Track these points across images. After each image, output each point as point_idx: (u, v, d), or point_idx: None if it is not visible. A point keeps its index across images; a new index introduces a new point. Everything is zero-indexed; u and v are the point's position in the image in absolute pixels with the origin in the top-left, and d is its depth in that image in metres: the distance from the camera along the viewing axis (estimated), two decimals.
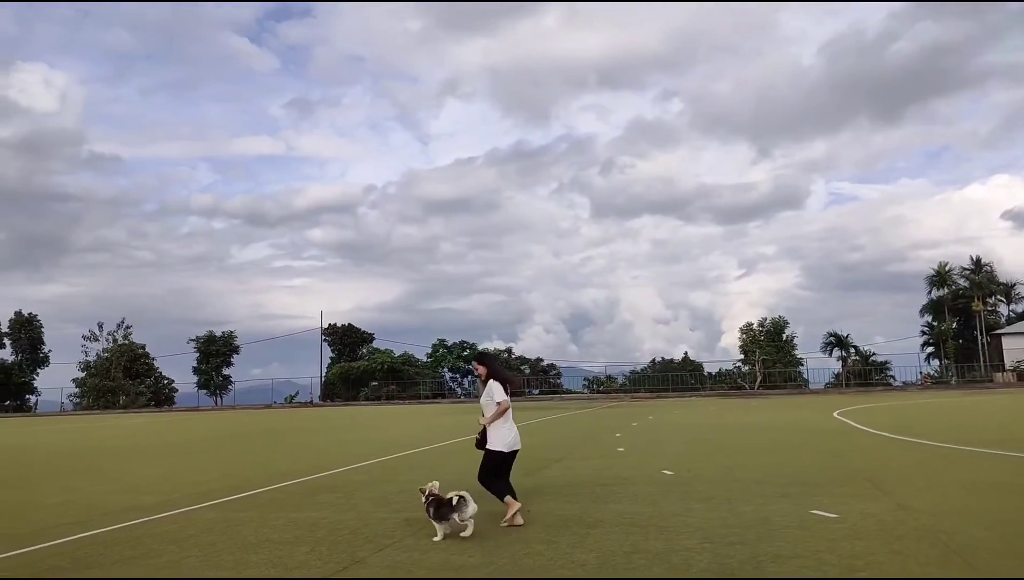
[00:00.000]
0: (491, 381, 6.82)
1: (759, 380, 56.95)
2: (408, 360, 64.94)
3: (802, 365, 60.26)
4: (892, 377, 57.70)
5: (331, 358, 67.08)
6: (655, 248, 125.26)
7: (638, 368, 64.40)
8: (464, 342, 66.53)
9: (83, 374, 64.66)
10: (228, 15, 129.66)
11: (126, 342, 65.92)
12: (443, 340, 66.91)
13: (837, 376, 58.47)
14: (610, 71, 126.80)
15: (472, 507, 6.10)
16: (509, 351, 66.42)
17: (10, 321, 67.83)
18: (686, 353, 66.05)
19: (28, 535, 6.94)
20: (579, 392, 60.61)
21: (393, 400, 57.11)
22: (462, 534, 6.13)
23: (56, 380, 76.03)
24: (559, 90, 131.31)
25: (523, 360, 65.99)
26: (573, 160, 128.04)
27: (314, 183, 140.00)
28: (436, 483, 6.43)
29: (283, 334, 75.10)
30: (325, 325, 67.22)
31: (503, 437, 6.69)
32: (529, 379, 63.21)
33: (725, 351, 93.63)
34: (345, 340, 67.92)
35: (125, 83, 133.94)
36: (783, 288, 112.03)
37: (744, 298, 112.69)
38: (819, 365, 67.34)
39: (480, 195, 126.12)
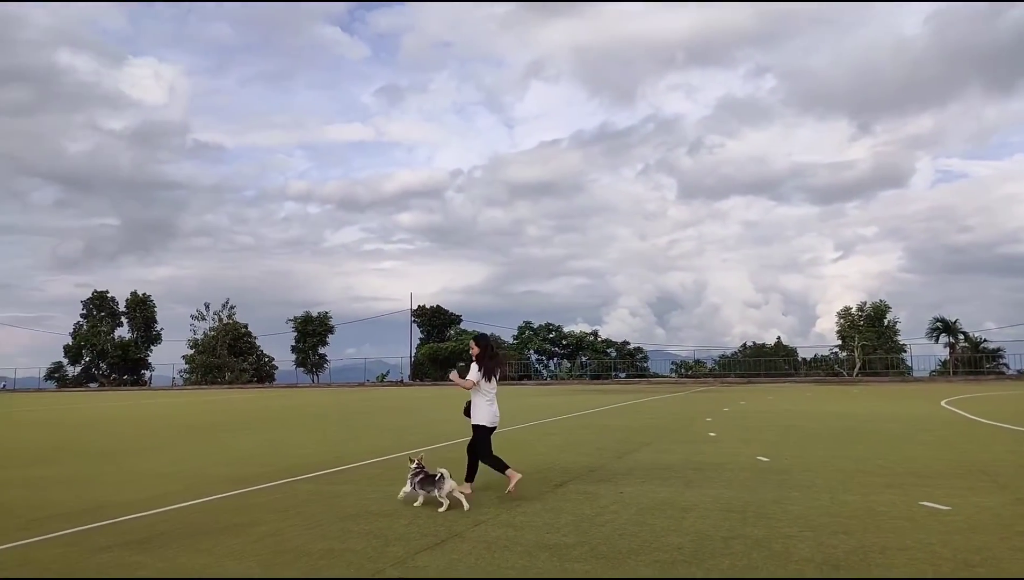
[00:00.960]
0: (473, 363, 7.45)
1: (858, 367, 54.42)
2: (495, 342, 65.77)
3: (905, 351, 57.16)
4: (1005, 365, 53.88)
5: (420, 339, 68.61)
6: (746, 230, 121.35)
7: (728, 353, 62.75)
8: (550, 324, 66.64)
9: (192, 351, 68.65)
10: (322, 6, 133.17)
11: (230, 321, 69.50)
12: (529, 322, 67.25)
13: (944, 363, 55.12)
14: (699, 48, 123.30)
15: (449, 484, 6.58)
16: (595, 334, 66.05)
17: (127, 301, 72.68)
18: (779, 338, 63.83)
19: (143, 501, 7.40)
20: (666, 376, 59.67)
21: None
22: (439, 509, 6.53)
23: (168, 356, 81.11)
24: (645, 69, 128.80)
25: (609, 343, 65.50)
26: (660, 140, 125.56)
27: (402, 168, 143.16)
28: (423, 455, 7.13)
29: (374, 315, 77.31)
30: (414, 307, 68.76)
31: (487, 414, 7.37)
32: (615, 362, 62.72)
33: (820, 336, 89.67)
34: (433, 321, 69.27)
35: (226, 75, 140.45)
36: (884, 271, 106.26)
37: (841, 281, 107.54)
38: (924, 352, 63.84)
39: (565, 177, 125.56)
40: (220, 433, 15.79)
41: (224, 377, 64.93)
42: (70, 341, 70.88)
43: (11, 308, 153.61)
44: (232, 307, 70.66)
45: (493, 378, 7.49)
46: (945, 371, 53.20)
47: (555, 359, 66.70)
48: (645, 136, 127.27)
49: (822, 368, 58.15)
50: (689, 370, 60.27)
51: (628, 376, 59.84)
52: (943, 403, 21.03)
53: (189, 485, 8.32)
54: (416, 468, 6.82)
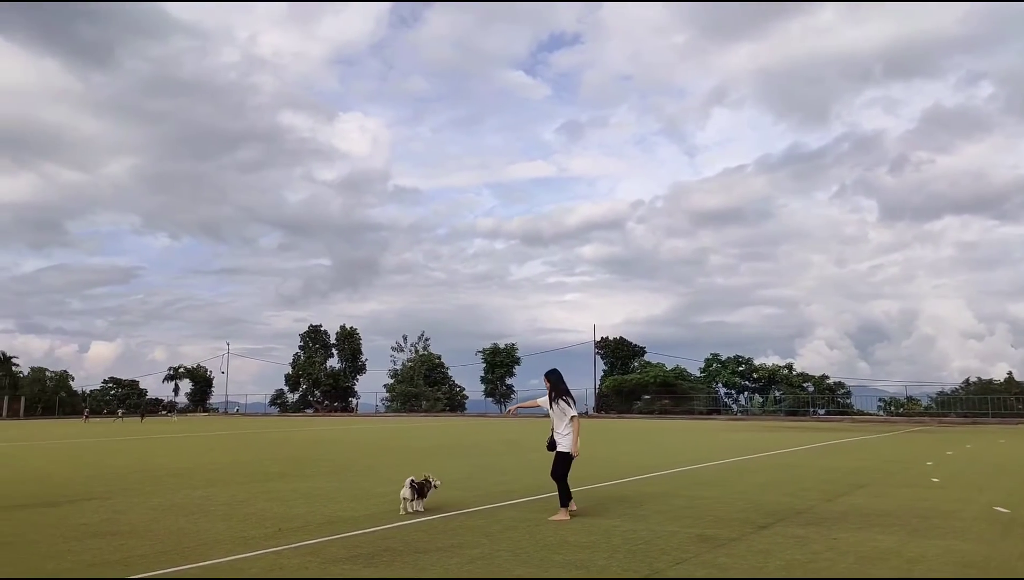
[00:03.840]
0: (565, 397, 8.27)
1: None
2: (681, 374, 63.88)
3: None
4: None
5: (604, 371, 68.53)
6: (962, 252, 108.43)
7: (946, 389, 56.18)
8: (739, 357, 63.66)
9: (392, 380, 73.69)
10: (506, 51, 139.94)
11: (426, 353, 73.90)
12: (716, 354, 64.72)
13: None
14: (899, 59, 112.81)
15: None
16: (789, 367, 62.06)
17: (337, 334, 79.71)
18: (1009, 373, 56.00)
19: (368, 517, 8.14)
20: (873, 414, 54.56)
21: (667, 414, 56.55)
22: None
23: (371, 385, 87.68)
24: (839, 86, 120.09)
25: (805, 377, 61.23)
26: (857, 160, 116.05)
27: (584, 201, 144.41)
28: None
29: (558, 347, 78.35)
30: (597, 338, 68.93)
31: (573, 442, 8.12)
32: (814, 398, 58.47)
33: None
34: (617, 353, 68.91)
35: (422, 123, 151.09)
36: None
37: None
38: None
39: (751, 204, 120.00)
40: (426, 458, 16.81)
41: (420, 405, 68.90)
42: (290, 370, 78.88)
43: (244, 341, 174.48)
44: (427, 339, 75.21)
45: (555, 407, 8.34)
46: None
47: (746, 393, 63.52)
48: (840, 156, 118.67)
49: None
50: (900, 408, 54.69)
51: (828, 413, 55.50)
52: None
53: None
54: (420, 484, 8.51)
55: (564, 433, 8.20)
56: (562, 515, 8.00)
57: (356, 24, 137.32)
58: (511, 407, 9.32)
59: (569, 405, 8.25)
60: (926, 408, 53.48)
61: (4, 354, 69.14)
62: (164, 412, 58.06)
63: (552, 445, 8.34)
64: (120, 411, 56.20)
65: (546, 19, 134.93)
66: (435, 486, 8.70)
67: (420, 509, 8.43)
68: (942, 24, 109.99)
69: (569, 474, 8.26)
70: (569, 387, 8.55)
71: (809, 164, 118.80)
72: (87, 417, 55.34)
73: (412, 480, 8.51)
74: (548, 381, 8.50)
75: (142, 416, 53.96)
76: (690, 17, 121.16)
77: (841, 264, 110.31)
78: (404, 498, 8.41)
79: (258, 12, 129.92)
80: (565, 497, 8.14)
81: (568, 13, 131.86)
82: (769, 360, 63.81)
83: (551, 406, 8.41)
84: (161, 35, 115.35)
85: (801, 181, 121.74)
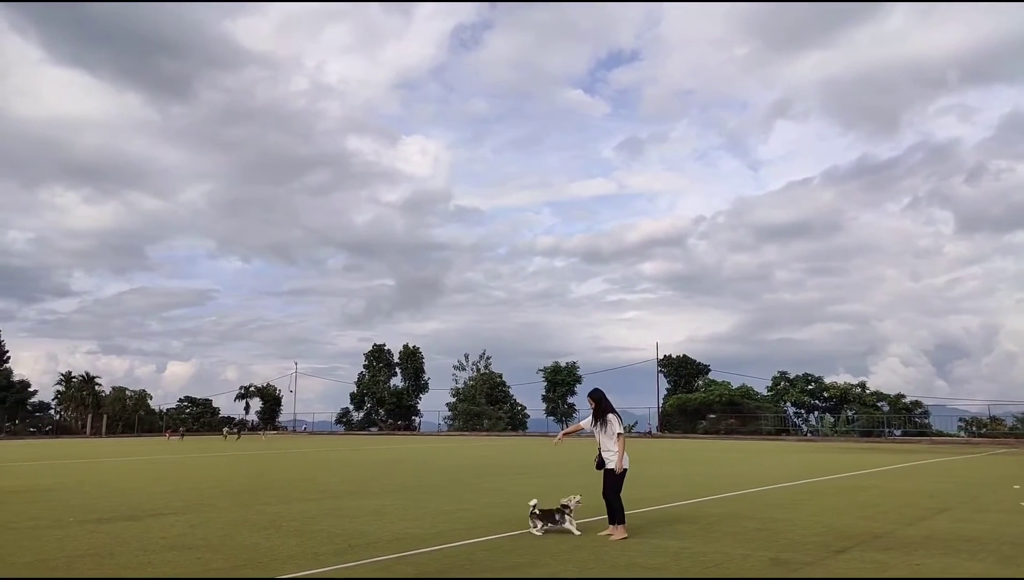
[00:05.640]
0: (610, 414, 8.26)
1: None
2: (747, 393, 62.25)
3: None
4: None
5: (667, 389, 67.42)
6: None
7: None
8: (808, 375, 61.57)
9: (454, 399, 74.17)
10: (565, 70, 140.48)
11: (487, 371, 74.15)
12: (784, 372, 62.78)
13: None
14: (975, 65, 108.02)
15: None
16: (862, 385, 59.66)
17: (400, 353, 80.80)
18: None
19: (435, 536, 8.21)
20: (954, 435, 51.94)
21: (733, 434, 55.17)
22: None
23: (434, 404, 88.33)
24: (910, 94, 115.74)
25: (880, 396, 58.76)
26: (931, 170, 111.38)
27: (644, 218, 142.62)
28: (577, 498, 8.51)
29: (620, 365, 77.58)
30: (660, 356, 67.92)
31: (619, 459, 8.12)
32: (888, 418, 56.12)
33: None
34: (680, 371, 67.69)
35: (481, 144, 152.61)
36: None
37: None
38: None
39: (818, 217, 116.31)
40: (489, 477, 16.83)
41: (482, 424, 69.06)
42: (355, 389, 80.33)
43: (311, 360, 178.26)
44: (488, 358, 75.43)
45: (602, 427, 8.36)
46: None
47: (816, 413, 61.41)
48: (912, 167, 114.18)
49: None
50: (983, 428, 51.98)
51: (904, 433, 53.15)
52: None
53: (471, 524, 9.04)
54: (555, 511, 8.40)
55: (612, 450, 8.18)
56: (620, 532, 8.01)
57: (418, 49, 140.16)
58: (559, 435, 9.28)
59: (616, 423, 8.27)
60: (1011, 429, 50.68)
61: (87, 374, 72.62)
62: (234, 431, 59.71)
63: (600, 463, 8.35)
64: (226, 429, 58.35)
65: (605, 37, 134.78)
66: (574, 505, 8.47)
67: (565, 527, 8.34)
68: (1018, 26, 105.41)
69: (622, 492, 8.25)
70: (632, 406, 8.55)
71: (880, 175, 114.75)
72: (182, 435, 56.52)
73: (535, 506, 8.44)
74: (592, 400, 8.52)
75: (238, 434, 55.76)
76: (752, 29, 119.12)
77: (916, 278, 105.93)
78: (532, 527, 8.35)
79: (325, 40, 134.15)
80: (619, 514, 8.13)
81: (627, 30, 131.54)
82: (840, 378, 61.54)
83: (595, 425, 8.38)
84: (235, 66, 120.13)
85: (871, 193, 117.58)
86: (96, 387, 71.75)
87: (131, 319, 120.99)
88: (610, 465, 8.20)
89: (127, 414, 71.04)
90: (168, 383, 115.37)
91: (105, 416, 67.71)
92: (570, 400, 70.70)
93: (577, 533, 8.15)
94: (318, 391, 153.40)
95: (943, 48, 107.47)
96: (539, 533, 8.15)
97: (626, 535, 7.98)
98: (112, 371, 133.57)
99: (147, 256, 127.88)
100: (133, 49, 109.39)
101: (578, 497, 8.52)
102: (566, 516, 8.33)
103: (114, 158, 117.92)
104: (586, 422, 8.67)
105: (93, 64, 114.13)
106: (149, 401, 75.23)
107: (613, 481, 8.19)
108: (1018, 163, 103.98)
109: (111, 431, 66.48)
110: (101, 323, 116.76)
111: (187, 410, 77.25)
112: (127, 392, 73.93)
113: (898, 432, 54.19)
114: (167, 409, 77.25)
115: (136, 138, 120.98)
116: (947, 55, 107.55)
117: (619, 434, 8.19)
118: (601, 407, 8.37)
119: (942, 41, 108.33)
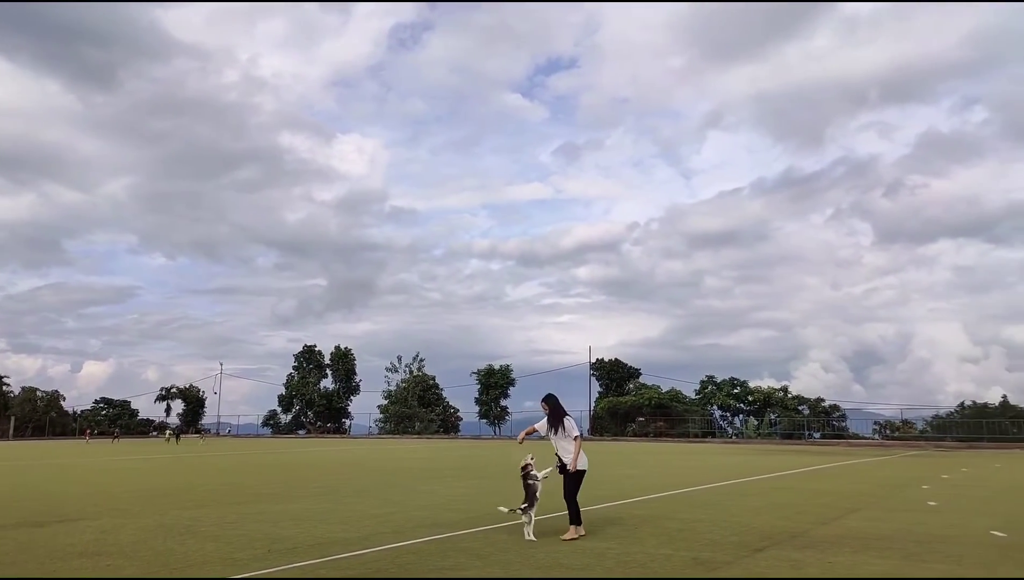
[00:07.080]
0: (566, 418, 8.57)
1: None
2: (676, 396, 63.69)
3: None
4: None
5: (599, 392, 68.31)
6: (957, 276, 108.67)
7: (942, 413, 56.09)
8: (734, 379, 63.55)
9: (386, 401, 73.23)
10: (504, 74, 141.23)
11: (420, 374, 73.53)
12: (712, 377, 64.58)
13: None
14: (895, 84, 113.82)
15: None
16: (785, 390, 61.92)
17: (331, 354, 79.34)
18: (1004, 397, 56.00)
19: (359, 540, 8.05)
20: (869, 438, 54.41)
21: (661, 437, 56.31)
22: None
23: (365, 406, 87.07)
24: (835, 110, 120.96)
25: (801, 400, 61.08)
26: (852, 184, 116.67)
27: (580, 223, 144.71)
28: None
29: (553, 368, 78.22)
30: (592, 360, 68.78)
31: (582, 460, 8.49)
32: (809, 421, 58.36)
33: None
34: (612, 375, 68.72)
35: (419, 145, 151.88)
36: None
37: None
38: None
39: (747, 226, 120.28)
40: (419, 480, 16.67)
41: (414, 426, 68.45)
42: (283, 391, 78.42)
43: (238, 361, 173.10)
44: (422, 360, 74.83)
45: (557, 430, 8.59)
46: None
47: (740, 416, 63.34)
48: (835, 180, 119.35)
49: None
50: (896, 431, 54.61)
51: (824, 436, 55.34)
52: None
53: (398, 528, 8.91)
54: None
55: (570, 451, 8.39)
56: (572, 533, 8.15)
57: (355, 46, 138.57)
58: (521, 434, 9.58)
59: (572, 425, 8.54)
60: (921, 432, 53.43)
61: None
62: (155, 434, 57.46)
63: (563, 468, 8.53)
64: (168, 431, 56.03)
65: (544, 43, 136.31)
66: (531, 461, 8.63)
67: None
68: (937, 49, 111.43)
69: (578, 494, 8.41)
70: (565, 408, 8.73)
71: (805, 187, 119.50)
72: (115, 437, 54.91)
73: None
74: (547, 405, 8.68)
75: (178, 436, 53.57)
76: (688, 39, 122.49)
77: (836, 287, 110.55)
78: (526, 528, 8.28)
79: (259, 34, 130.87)
80: (575, 516, 8.28)
81: (566, 37, 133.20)
82: (764, 383, 63.64)
83: (550, 429, 8.57)
84: (164, 57, 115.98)
85: (797, 204, 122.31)
86: (4, 387, 67.97)
87: (45, 316, 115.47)
88: (578, 466, 8.42)
89: (37, 416, 67.50)
90: (83, 384, 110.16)
91: (13, 418, 64.10)
92: (503, 403, 70.82)
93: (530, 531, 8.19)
94: (244, 393, 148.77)
95: (865, 67, 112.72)
96: (532, 536, 8.09)
97: (578, 535, 8.18)
98: (23, 370, 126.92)
99: (64, 250, 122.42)
100: (54, 36, 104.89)
101: (532, 455, 8.70)
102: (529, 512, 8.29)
103: (30, 146, 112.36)
104: (540, 425, 8.82)
105: (9, 49, 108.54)
106: (62, 402, 71.76)
107: (572, 482, 8.40)
108: (933, 179, 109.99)
109: (19, 434, 63.02)
110: (12, 320, 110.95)
111: (103, 411, 73.94)
112: (38, 393, 70.28)
113: (817, 435, 56.36)
114: (81, 411, 73.78)
115: (54, 126, 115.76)
116: (869, 74, 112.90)
117: (576, 436, 8.44)
118: (557, 412, 8.56)
119: (865, 61, 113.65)
